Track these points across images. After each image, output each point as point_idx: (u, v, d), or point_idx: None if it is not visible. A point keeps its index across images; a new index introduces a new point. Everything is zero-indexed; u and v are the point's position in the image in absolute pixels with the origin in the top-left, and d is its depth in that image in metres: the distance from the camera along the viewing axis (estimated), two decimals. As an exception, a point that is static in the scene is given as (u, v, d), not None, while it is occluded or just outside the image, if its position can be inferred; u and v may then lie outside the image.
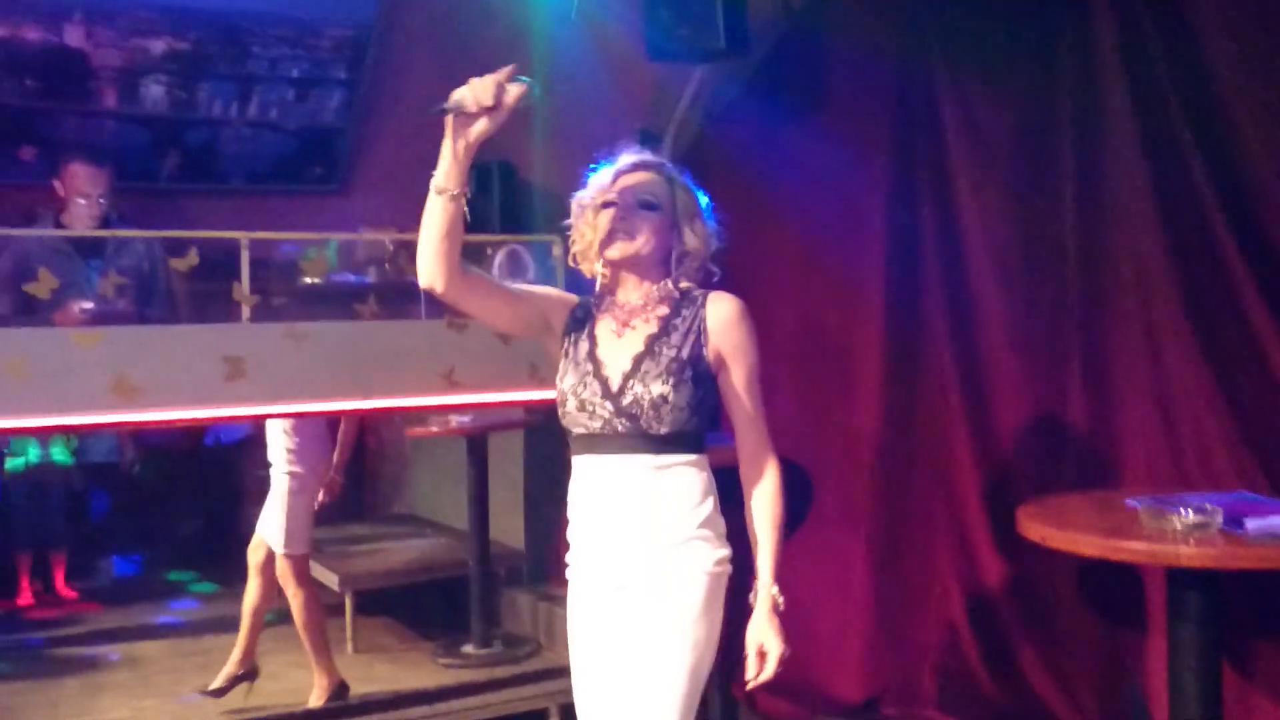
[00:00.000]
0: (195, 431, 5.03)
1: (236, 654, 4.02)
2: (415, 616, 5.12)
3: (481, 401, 3.70)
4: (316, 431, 4.03)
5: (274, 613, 4.18)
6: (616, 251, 2.24)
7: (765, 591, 2.20)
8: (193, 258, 3.42)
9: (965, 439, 4.02)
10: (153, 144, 5.31)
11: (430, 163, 2.11)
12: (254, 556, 4.05)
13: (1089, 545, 2.57)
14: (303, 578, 3.94)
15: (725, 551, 2.22)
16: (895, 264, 4.21)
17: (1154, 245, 3.44)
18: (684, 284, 2.29)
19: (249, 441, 5.84)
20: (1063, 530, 2.63)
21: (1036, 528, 2.71)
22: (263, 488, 4.10)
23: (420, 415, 4.85)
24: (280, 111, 5.45)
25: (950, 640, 4.01)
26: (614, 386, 2.21)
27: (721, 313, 2.24)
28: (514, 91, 2.00)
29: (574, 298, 2.38)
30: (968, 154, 4.01)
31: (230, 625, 4.20)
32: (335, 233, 4.50)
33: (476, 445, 4.71)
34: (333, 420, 4.20)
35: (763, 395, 2.27)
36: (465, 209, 2.10)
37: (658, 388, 2.17)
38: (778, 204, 4.40)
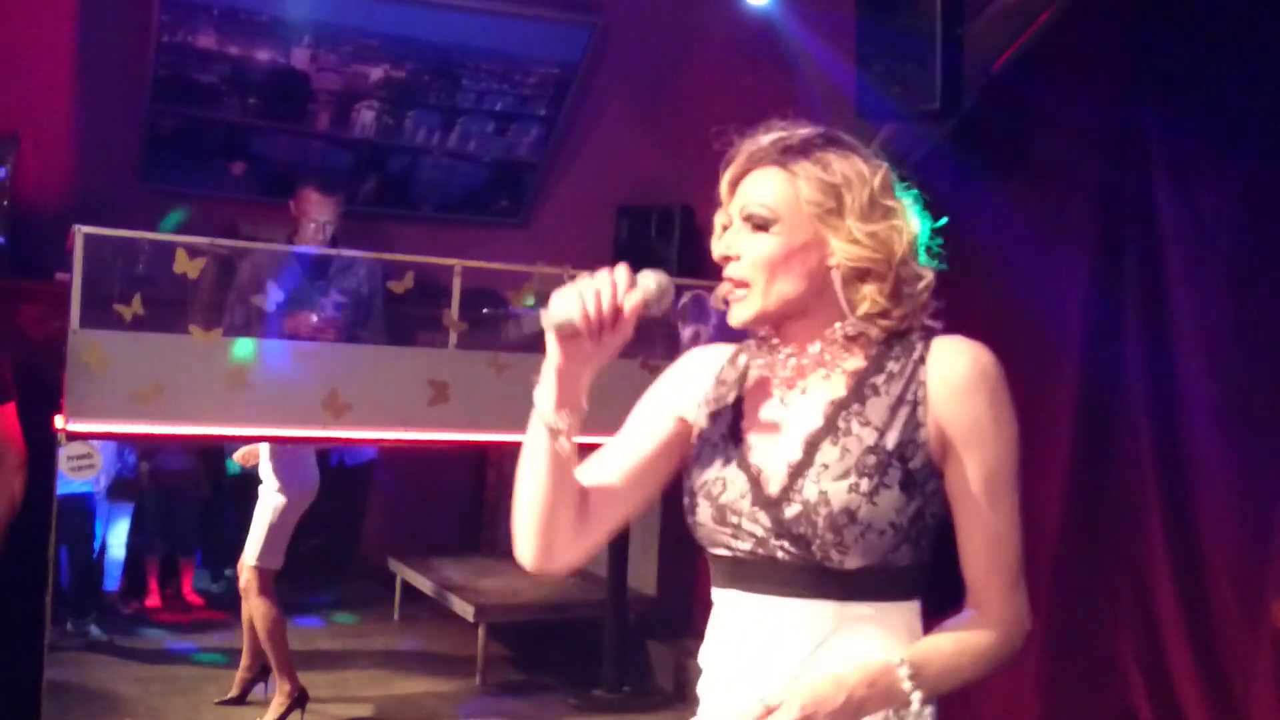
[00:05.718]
0: (323, 452, 5.23)
1: (245, 660, 4.28)
2: (542, 654, 5.13)
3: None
4: (304, 455, 4.14)
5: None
6: (736, 319, 1.51)
7: (888, 667, 1.39)
8: (409, 281, 3.53)
9: (1159, 525, 3.86)
10: (354, 167, 5.53)
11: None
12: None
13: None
14: (267, 590, 4.10)
15: None
16: (1092, 339, 4.08)
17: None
18: (885, 323, 1.48)
19: (374, 465, 6.01)
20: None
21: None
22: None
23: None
24: (479, 143, 5.62)
25: (1130, 731, 3.86)
26: (771, 488, 1.44)
27: (953, 369, 1.44)
28: (633, 300, 1.40)
29: (716, 351, 1.63)
30: (1183, 231, 3.86)
31: (354, 648, 4.33)
32: (544, 266, 4.58)
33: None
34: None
35: (1017, 505, 1.47)
36: (572, 451, 1.48)
37: (842, 494, 1.39)
38: (964, 266, 4.30)
